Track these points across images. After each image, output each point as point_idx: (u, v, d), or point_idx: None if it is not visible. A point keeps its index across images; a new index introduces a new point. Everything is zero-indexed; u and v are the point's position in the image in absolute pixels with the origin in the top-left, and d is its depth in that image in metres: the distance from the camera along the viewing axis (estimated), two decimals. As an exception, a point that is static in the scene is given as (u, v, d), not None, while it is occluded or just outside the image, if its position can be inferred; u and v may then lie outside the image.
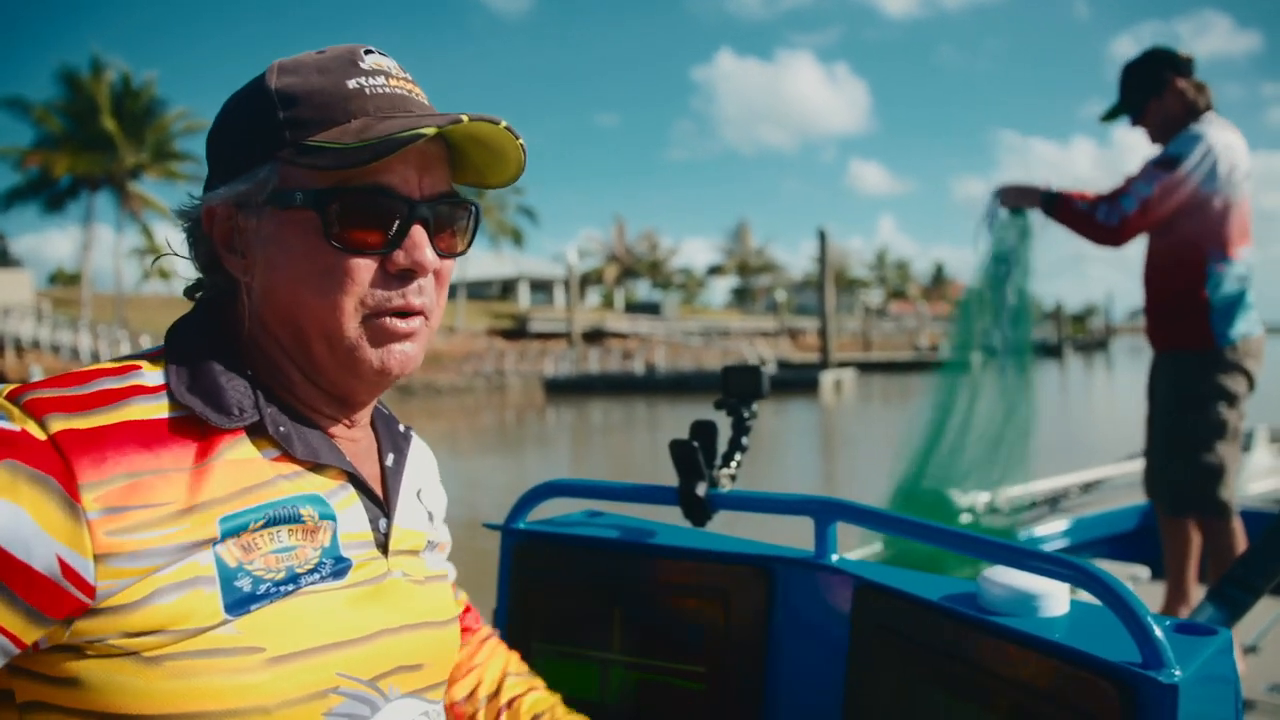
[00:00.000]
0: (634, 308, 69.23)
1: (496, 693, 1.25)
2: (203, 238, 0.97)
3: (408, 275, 0.92)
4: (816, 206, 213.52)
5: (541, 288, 66.90)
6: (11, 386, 0.84)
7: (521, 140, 0.95)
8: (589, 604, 1.52)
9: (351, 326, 0.92)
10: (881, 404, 29.60)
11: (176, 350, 0.93)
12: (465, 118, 0.89)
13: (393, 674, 0.95)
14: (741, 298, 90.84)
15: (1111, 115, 3.47)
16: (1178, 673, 0.91)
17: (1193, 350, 3.15)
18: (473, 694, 1.24)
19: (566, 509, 1.72)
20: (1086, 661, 0.97)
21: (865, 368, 44.17)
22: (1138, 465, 5.41)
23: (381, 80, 0.94)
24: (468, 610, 1.30)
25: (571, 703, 1.51)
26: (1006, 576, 1.11)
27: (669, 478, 1.53)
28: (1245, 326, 3.12)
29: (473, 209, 1.00)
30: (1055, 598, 1.08)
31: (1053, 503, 4.51)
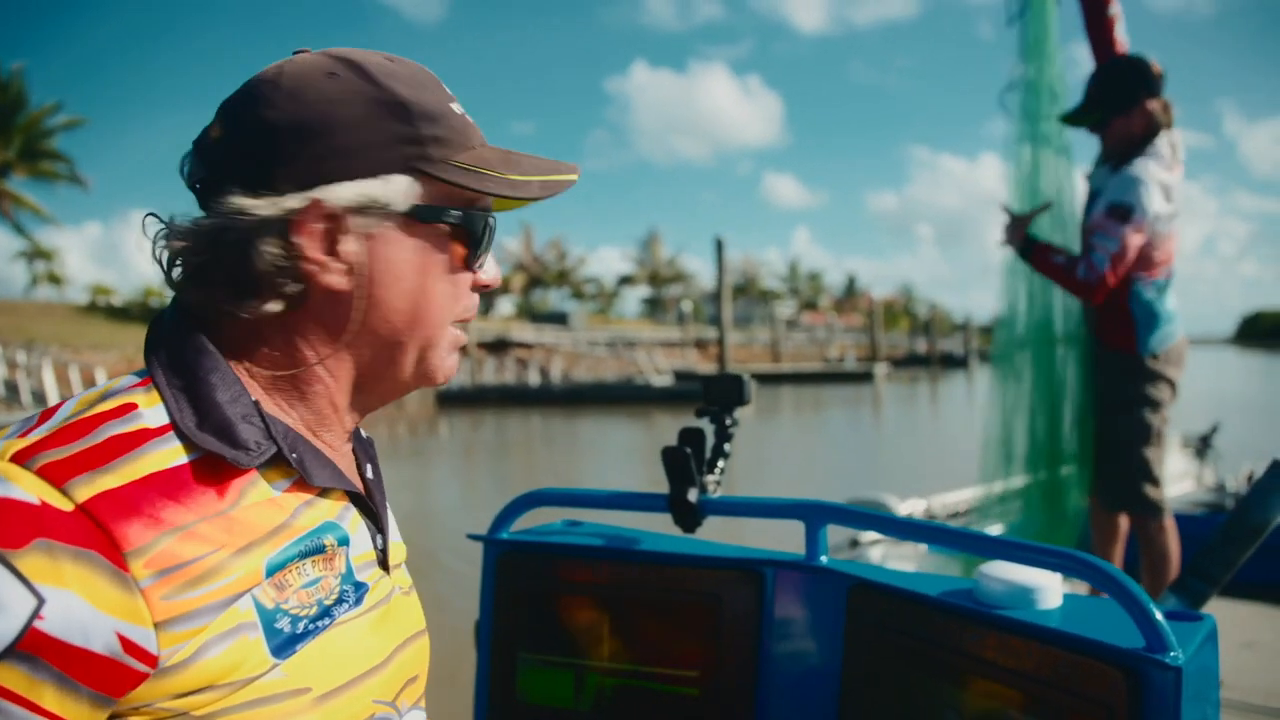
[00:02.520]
0: (542, 317, 68.91)
1: None
2: (276, 239, 0.85)
3: (480, 290, 0.99)
4: (731, 218, 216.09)
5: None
6: (13, 446, 0.76)
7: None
8: (576, 613, 1.52)
9: (447, 336, 0.96)
10: (775, 416, 29.40)
11: (168, 376, 0.85)
12: (574, 177, 0.99)
13: (404, 689, 0.97)
14: (654, 308, 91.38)
15: (1074, 121, 3.49)
16: (1180, 655, 0.96)
17: (1119, 351, 3.39)
18: None
19: (546, 519, 1.73)
20: (1091, 649, 1.02)
21: (769, 379, 44.66)
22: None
23: (460, 108, 0.96)
24: None
25: (561, 714, 1.51)
26: (1004, 571, 1.16)
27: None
28: (1165, 335, 3.36)
29: None
30: (1051, 590, 1.13)
31: (983, 510, 4.68)
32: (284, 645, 0.82)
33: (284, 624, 0.82)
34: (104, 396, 0.83)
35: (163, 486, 0.78)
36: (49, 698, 0.70)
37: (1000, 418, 3.62)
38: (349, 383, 0.94)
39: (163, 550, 0.75)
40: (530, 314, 72.93)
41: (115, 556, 0.73)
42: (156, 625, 0.74)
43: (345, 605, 0.89)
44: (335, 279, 0.88)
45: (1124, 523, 3.44)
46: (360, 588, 0.92)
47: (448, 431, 25.48)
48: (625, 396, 33.18)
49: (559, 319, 66.15)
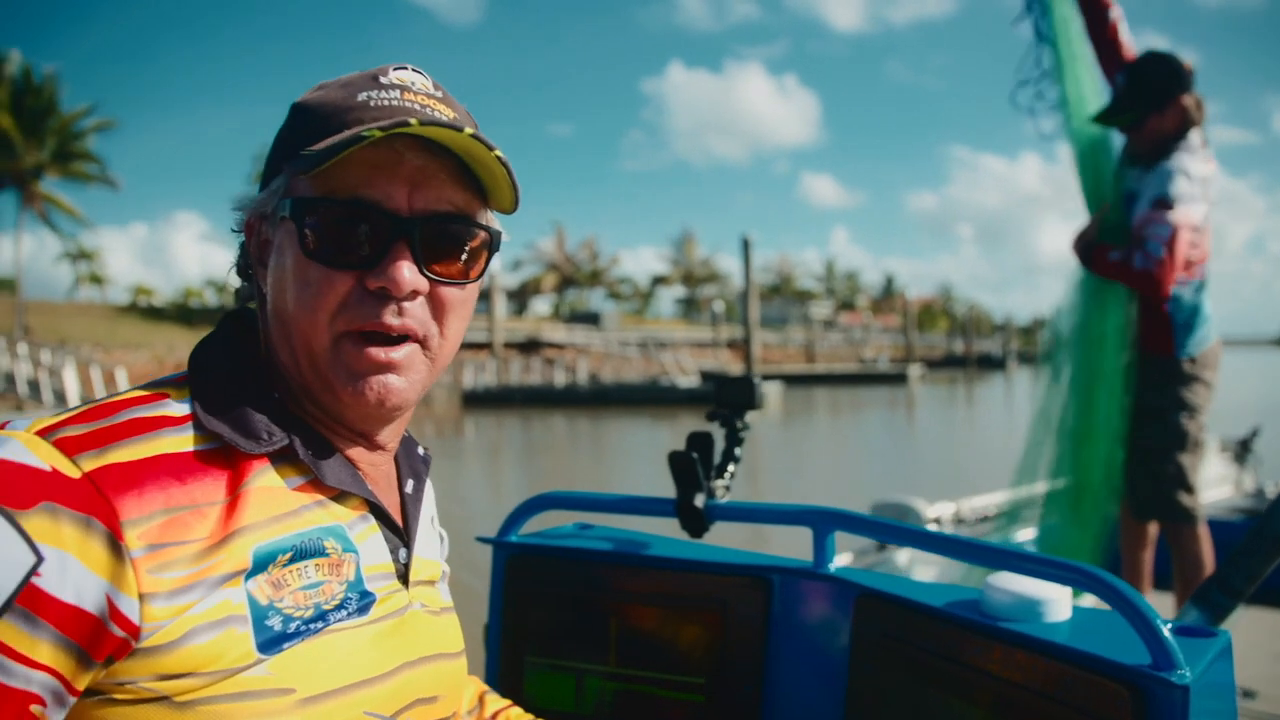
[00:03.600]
0: (574, 318, 69.03)
1: (478, 707, 1.24)
2: (244, 249, 0.99)
3: (385, 295, 0.88)
4: (768, 218, 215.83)
5: (482, 296, 66.25)
6: (43, 422, 0.82)
7: (497, 151, 0.89)
8: (584, 617, 1.52)
9: (325, 344, 0.89)
10: (802, 417, 28.79)
11: (200, 375, 0.91)
12: (414, 121, 0.84)
13: (412, 707, 0.95)
14: (688, 308, 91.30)
15: (1108, 119, 3.38)
16: (1188, 674, 0.94)
17: (1160, 355, 3.32)
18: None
19: (555, 522, 1.72)
20: (1097, 665, 1.00)
21: (798, 380, 44.17)
22: None
23: (394, 94, 0.91)
24: None
25: (567, 718, 1.50)
26: (1011, 582, 1.13)
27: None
28: (1202, 338, 3.29)
29: (485, 233, 0.95)
30: (1059, 603, 1.11)
31: (1010, 515, 4.61)
32: (271, 642, 0.82)
33: (275, 621, 0.83)
34: (145, 386, 0.90)
35: (170, 468, 0.82)
36: (44, 652, 0.74)
37: (1044, 422, 3.54)
38: (313, 392, 0.94)
39: (158, 525, 0.78)
40: (568, 314, 73.17)
41: (113, 524, 0.77)
42: (141, 596, 0.77)
43: (344, 612, 0.89)
44: (262, 281, 0.95)
45: (1152, 530, 3.36)
46: (366, 597, 0.92)
47: (473, 431, 25.54)
48: (651, 398, 32.82)
49: (591, 319, 66.18)
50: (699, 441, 1.51)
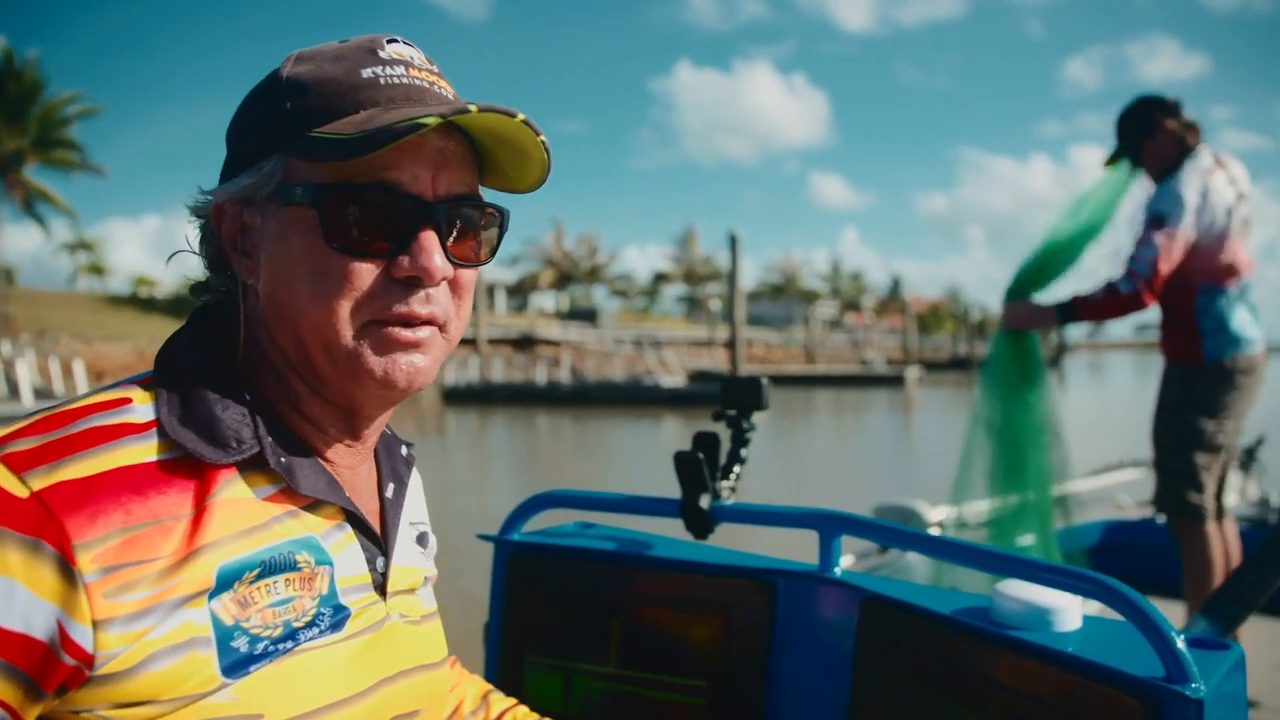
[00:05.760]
0: (570, 315, 68.79)
1: (482, 707, 1.21)
2: (211, 236, 0.91)
3: (414, 283, 0.85)
4: (778, 218, 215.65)
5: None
6: None
7: (543, 137, 0.87)
8: (586, 617, 1.50)
9: (348, 335, 0.84)
10: (790, 420, 27.55)
11: (166, 377, 0.85)
12: (474, 108, 0.81)
13: None
14: (691, 306, 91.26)
15: (1113, 160, 3.66)
16: (1202, 687, 0.92)
17: (1184, 364, 3.37)
18: (456, 710, 1.18)
19: (555, 520, 1.71)
20: (1108, 676, 0.98)
21: (794, 381, 43.61)
22: (1099, 481, 5.55)
23: (400, 70, 0.87)
24: None
25: (566, 718, 1.49)
26: (1021, 590, 1.12)
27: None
28: (1235, 343, 3.30)
29: (498, 214, 0.93)
30: (1069, 612, 1.09)
31: (1010, 519, 4.59)
32: (237, 665, 0.78)
33: (241, 643, 0.78)
34: (110, 388, 0.84)
35: (129, 481, 0.77)
36: None
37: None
38: (304, 382, 0.89)
39: (113, 546, 0.74)
40: (566, 311, 73.07)
41: (64, 547, 0.72)
42: (95, 623, 0.73)
43: (316, 629, 0.84)
44: (244, 271, 0.89)
45: (1212, 531, 3.33)
46: (340, 612, 0.87)
47: (454, 428, 25.12)
48: (633, 397, 32.09)
49: (588, 316, 65.92)
50: (705, 442, 1.49)
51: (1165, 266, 3.24)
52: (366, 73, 0.85)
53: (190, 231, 0.93)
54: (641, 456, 17.19)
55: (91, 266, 62.17)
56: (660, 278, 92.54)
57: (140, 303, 47.53)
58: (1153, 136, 3.49)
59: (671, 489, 1.55)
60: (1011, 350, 3.34)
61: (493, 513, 1.39)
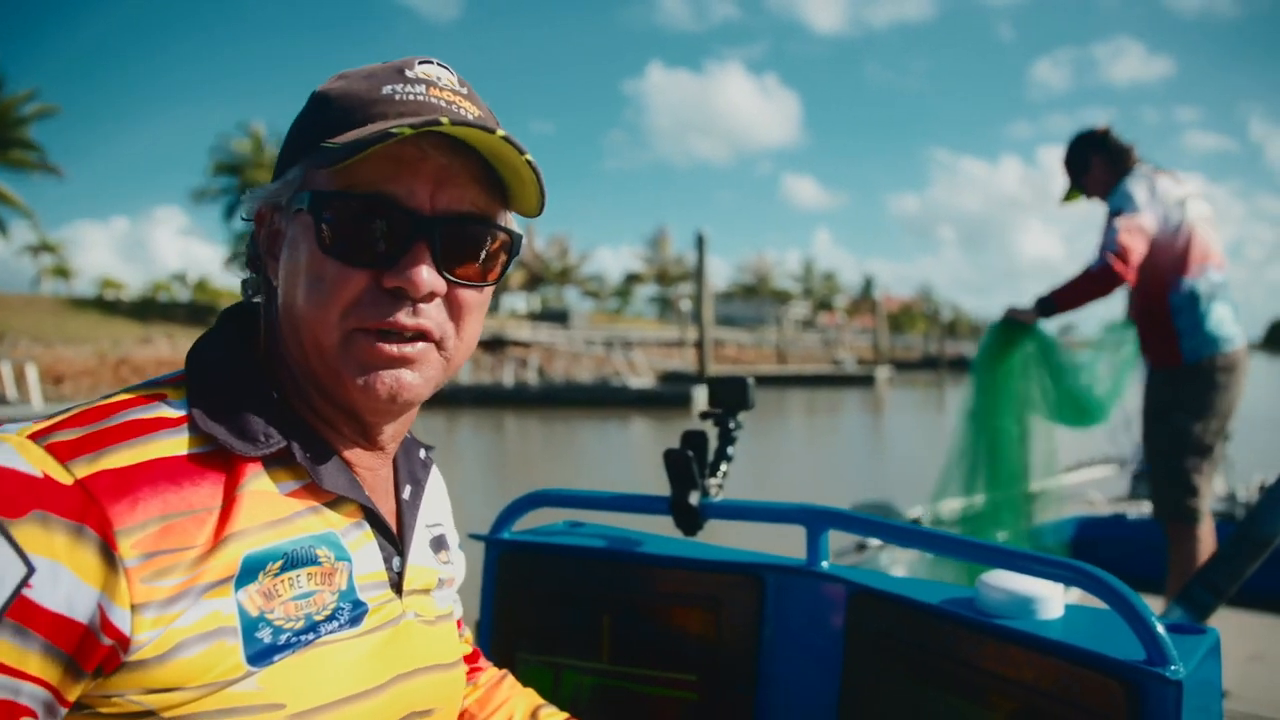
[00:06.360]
0: (545, 316, 68.55)
1: None
2: (255, 238, 0.95)
3: (401, 294, 0.85)
4: (752, 219, 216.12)
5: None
6: (35, 426, 0.80)
7: (528, 155, 0.87)
8: (577, 615, 1.52)
9: (334, 340, 0.86)
10: (756, 424, 28.01)
11: (197, 375, 0.89)
12: (444, 121, 0.82)
13: None
14: (664, 307, 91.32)
15: (1069, 197, 3.97)
16: (1181, 669, 0.96)
17: (1166, 368, 3.45)
18: None
19: (546, 519, 1.72)
20: (1091, 660, 1.02)
21: (764, 381, 43.61)
22: (1070, 478, 5.64)
23: (420, 89, 0.88)
24: (477, 653, 1.26)
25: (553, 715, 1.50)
26: (1006, 580, 1.15)
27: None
28: (1213, 342, 3.38)
29: (508, 237, 0.93)
30: (1052, 601, 1.13)
31: (986, 515, 4.65)
32: (261, 655, 0.80)
33: (265, 634, 0.81)
34: (142, 386, 0.88)
35: (166, 472, 0.80)
36: (34, 664, 0.73)
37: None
38: (313, 385, 0.91)
39: (151, 533, 0.77)
40: (538, 312, 72.86)
41: (106, 532, 0.75)
42: (134, 607, 0.75)
43: (336, 623, 0.87)
44: (270, 274, 0.93)
45: (1205, 533, 3.41)
46: (358, 607, 0.90)
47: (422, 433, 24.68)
48: (601, 398, 31.72)
49: (559, 317, 65.66)
50: (694, 440, 1.52)
51: (1128, 239, 3.36)
52: (386, 89, 0.88)
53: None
54: (611, 459, 17.05)
55: (56, 269, 61.23)
56: (632, 278, 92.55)
57: (105, 305, 46.76)
58: (1090, 169, 3.76)
59: (643, 491, 1.58)
60: (1001, 343, 3.44)
61: (466, 517, 1.37)
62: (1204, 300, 3.40)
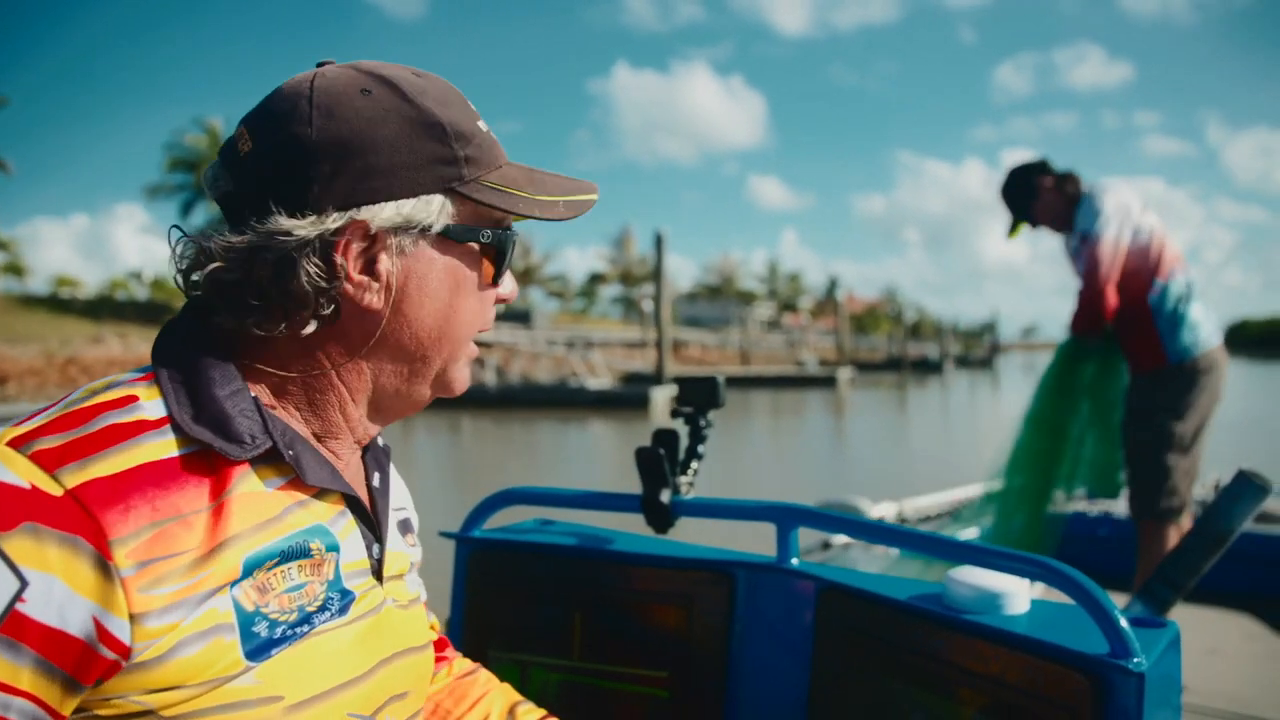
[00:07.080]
0: (508, 316, 68.09)
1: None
2: (317, 259, 0.84)
3: (499, 302, 1.01)
4: (719, 219, 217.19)
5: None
6: (12, 432, 0.78)
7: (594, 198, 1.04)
8: (548, 612, 1.52)
9: (467, 350, 0.97)
10: (718, 424, 27.49)
11: (171, 372, 0.85)
12: (594, 197, 1.01)
13: (387, 705, 0.95)
14: (628, 307, 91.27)
15: (1014, 229, 3.92)
16: (1143, 661, 0.98)
17: (1150, 370, 3.52)
18: None
19: (518, 517, 1.72)
20: (1056, 654, 1.04)
21: (727, 382, 43.22)
22: None
23: (485, 127, 0.96)
24: (444, 640, 1.27)
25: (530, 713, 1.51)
26: (973, 576, 1.17)
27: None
28: (1194, 343, 3.46)
29: None
30: (1018, 596, 1.15)
31: (954, 515, 4.71)
32: (259, 649, 0.81)
33: (261, 628, 0.81)
34: (108, 387, 0.84)
35: (154, 477, 0.78)
36: (26, 679, 0.72)
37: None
38: (366, 394, 0.94)
39: (144, 541, 0.75)
40: (500, 312, 72.25)
41: (100, 543, 0.74)
42: (132, 617, 0.74)
43: (327, 613, 0.88)
44: (371, 298, 0.88)
45: (1174, 534, 3.47)
46: (346, 596, 0.91)
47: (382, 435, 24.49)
48: (559, 399, 31.18)
49: (522, 317, 65.27)
50: (665, 438, 1.53)
51: (1102, 268, 3.44)
52: (482, 125, 0.94)
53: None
54: (571, 462, 16.90)
55: (9, 266, 59.80)
56: (596, 278, 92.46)
57: (57, 303, 45.68)
58: (1037, 196, 3.76)
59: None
60: (1071, 354, 3.61)
61: (428, 523, 1.35)
62: (1180, 301, 3.48)
